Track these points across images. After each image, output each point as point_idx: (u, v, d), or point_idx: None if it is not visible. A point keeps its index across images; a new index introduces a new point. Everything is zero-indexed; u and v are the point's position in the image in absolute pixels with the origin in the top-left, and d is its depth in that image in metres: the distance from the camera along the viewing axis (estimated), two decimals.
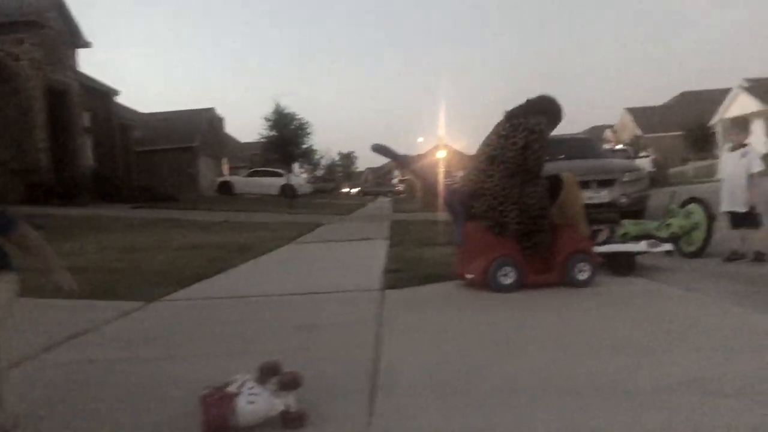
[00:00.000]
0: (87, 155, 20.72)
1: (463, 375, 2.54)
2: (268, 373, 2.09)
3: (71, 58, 19.90)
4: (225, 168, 39.84)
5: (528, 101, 4.56)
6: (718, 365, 2.50)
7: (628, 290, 4.28)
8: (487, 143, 4.53)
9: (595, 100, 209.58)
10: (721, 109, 45.47)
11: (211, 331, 3.54)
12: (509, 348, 2.94)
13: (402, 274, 5.24)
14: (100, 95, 22.94)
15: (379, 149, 4.78)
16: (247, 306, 4.29)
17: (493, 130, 4.56)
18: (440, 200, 4.89)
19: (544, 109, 4.52)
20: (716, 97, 48.60)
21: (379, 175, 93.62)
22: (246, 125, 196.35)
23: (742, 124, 6.23)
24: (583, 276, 4.40)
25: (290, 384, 2.06)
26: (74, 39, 19.94)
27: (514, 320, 3.55)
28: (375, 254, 6.79)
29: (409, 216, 15.71)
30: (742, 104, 42.62)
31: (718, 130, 43.61)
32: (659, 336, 3.03)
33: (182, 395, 2.34)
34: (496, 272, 4.27)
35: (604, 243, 5.34)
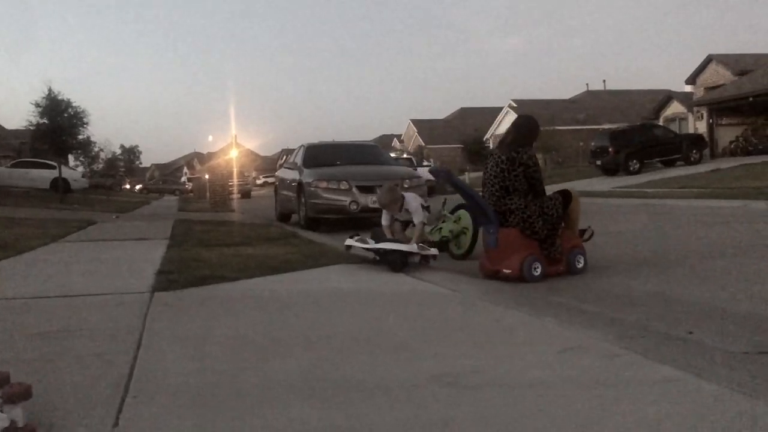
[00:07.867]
0: None
1: (221, 379, 2.47)
2: None
3: None
4: None
5: (516, 131, 5.50)
6: (470, 359, 2.69)
7: (399, 289, 4.48)
8: (494, 174, 5.41)
9: (386, 110, 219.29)
10: (494, 125, 50.02)
11: None
12: (271, 350, 2.92)
13: (176, 275, 5.00)
14: None
15: (439, 174, 5.84)
16: None
17: (493, 161, 5.47)
18: (475, 212, 5.84)
19: (531, 133, 5.56)
20: (490, 114, 53.35)
21: (167, 173, 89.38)
22: (14, 110, 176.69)
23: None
24: (579, 264, 5.40)
25: (18, 396, 1.84)
26: None
27: (280, 321, 3.55)
28: (150, 255, 6.42)
29: (196, 216, 15.16)
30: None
31: (491, 144, 47.87)
32: (420, 333, 3.21)
33: None
34: (530, 266, 5.09)
35: (379, 241, 5.65)
